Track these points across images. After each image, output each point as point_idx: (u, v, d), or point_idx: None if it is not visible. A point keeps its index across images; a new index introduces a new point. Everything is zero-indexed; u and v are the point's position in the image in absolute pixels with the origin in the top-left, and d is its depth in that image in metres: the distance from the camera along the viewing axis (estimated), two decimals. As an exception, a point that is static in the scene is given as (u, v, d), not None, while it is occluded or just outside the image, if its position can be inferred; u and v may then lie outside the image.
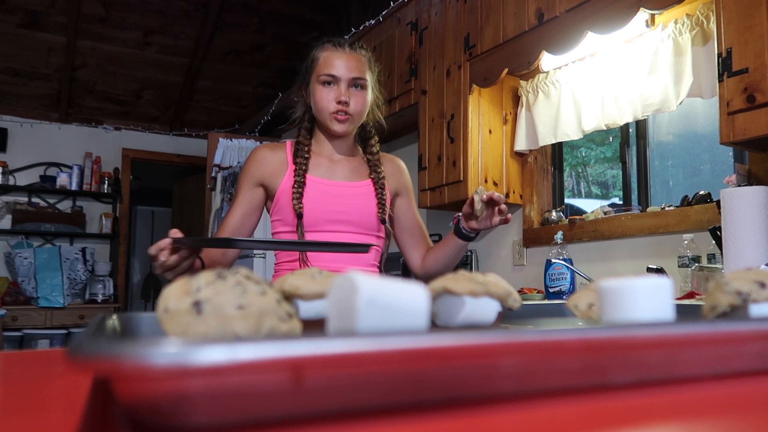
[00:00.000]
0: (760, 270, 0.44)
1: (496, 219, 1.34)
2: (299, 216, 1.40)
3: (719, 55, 1.84)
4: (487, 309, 0.48)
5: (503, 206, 1.32)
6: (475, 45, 2.86)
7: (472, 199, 1.34)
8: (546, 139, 2.82)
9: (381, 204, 1.47)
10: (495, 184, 2.92)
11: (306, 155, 1.47)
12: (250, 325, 0.30)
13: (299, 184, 1.42)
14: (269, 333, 0.31)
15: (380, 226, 1.49)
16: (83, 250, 5.14)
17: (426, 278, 1.52)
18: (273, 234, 1.49)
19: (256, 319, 0.31)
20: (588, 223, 2.66)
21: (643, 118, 2.46)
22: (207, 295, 0.31)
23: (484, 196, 1.31)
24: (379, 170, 1.51)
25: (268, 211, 1.52)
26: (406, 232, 1.61)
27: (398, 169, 1.62)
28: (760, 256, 1.67)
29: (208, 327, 0.30)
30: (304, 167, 1.46)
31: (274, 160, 1.48)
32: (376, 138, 1.59)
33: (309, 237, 1.43)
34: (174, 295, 0.32)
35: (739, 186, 1.93)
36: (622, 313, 0.38)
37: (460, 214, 1.42)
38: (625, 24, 2.21)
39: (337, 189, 1.47)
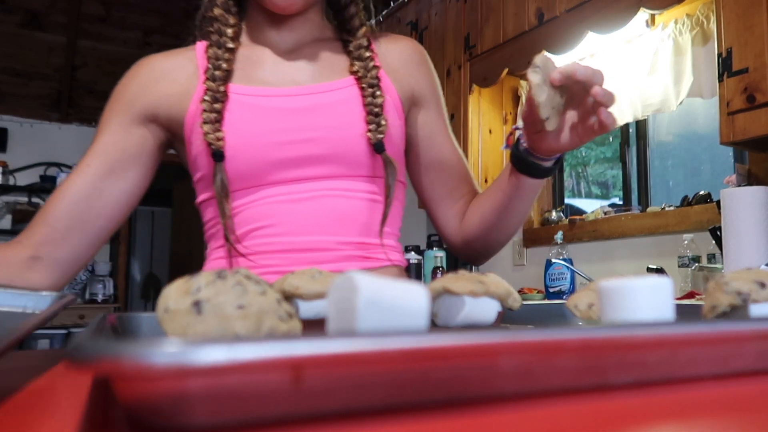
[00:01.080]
0: (760, 270, 0.44)
1: (593, 121, 0.67)
2: (217, 156, 0.79)
3: (719, 55, 1.84)
4: (487, 309, 0.48)
5: (599, 91, 0.63)
6: (475, 45, 2.86)
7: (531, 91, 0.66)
8: (546, 139, 2.82)
9: (373, 115, 0.84)
10: (495, 184, 2.92)
11: (228, 46, 0.85)
12: (250, 325, 0.31)
13: (213, 98, 0.81)
14: (269, 333, 0.31)
15: (374, 156, 0.84)
16: (83, 250, 5.13)
17: (470, 253, 0.94)
18: (199, 205, 0.90)
19: (256, 318, 0.31)
20: (588, 223, 2.66)
21: (643, 118, 2.46)
22: (207, 294, 0.31)
23: (556, 75, 0.64)
24: (366, 57, 0.88)
25: (187, 169, 0.90)
26: (433, 172, 0.93)
27: (413, 55, 0.95)
28: (760, 256, 1.67)
29: (208, 327, 0.30)
30: (221, 67, 0.83)
31: (172, 74, 0.86)
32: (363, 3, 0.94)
33: (242, 200, 0.83)
34: (174, 295, 0.32)
35: (739, 186, 1.93)
36: (622, 313, 0.38)
37: (519, 126, 0.78)
38: (626, 24, 2.21)
39: (291, 101, 0.84)
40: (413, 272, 3.02)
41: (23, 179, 5.27)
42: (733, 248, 1.72)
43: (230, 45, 0.86)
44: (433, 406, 0.27)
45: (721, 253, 1.86)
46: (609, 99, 0.64)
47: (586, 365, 0.30)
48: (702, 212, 2.21)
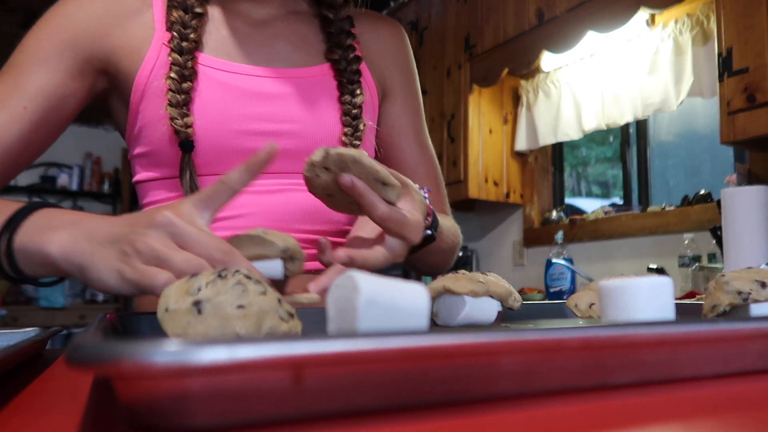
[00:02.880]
0: (761, 269, 0.44)
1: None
2: (185, 146, 0.71)
3: (719, 54, 1.84)
4: (487, 308, 0.48)
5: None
6: (476, 45, 2.86)
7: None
8: (546, 138, 2.82)
9: (350, 117, 0.77)
10: (495, 184, 2.92)
11: (197, 10, 0.74)
12: (251, 325, 0.31)
13: (180, 75, 0.71)
14: (270, 332, 0.31)
15: None
16: (84, 251, 5.14)
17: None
18: (137, 184, 0.78)
19: (256, 318, 0.31)
20: (588, 222, 2.66)
21: (643, 117, 2.46)
22: (207, 294, 0.31)
23: (346, 181, 0.53)
24: (347, 45, 0.80)
25: (122, 133, 0.79)
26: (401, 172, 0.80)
27: (392, 41, 0.87)
28: (761, 256, 1.67)
29: (209, 327, 0.30)
30: (189, 37, 0.72)
31: (126, 20, 0.74)
32: None
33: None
34: (174, 295, 0.32)
35: (740, 185, 1.93)
36: (622, 312, 0.38)
37: None
38: (626, 23, 2.21)
39: (264, 84, 0.75)
40: (414, 272, 3.02)
41: (23, 179, 5.27)
42: (733, 248, 1.72)
43: (198, 9, 0.74)
44: (433, 406, 0.27)
45: (722, 253, 1.86)
46: (363, 263, 0.54)
47: (587, 365, 0.30)
48: (702, 212, 2.21)
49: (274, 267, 0.49)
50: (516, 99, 3.04)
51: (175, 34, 0.72)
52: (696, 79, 2.21)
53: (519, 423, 0.25)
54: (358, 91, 0.78)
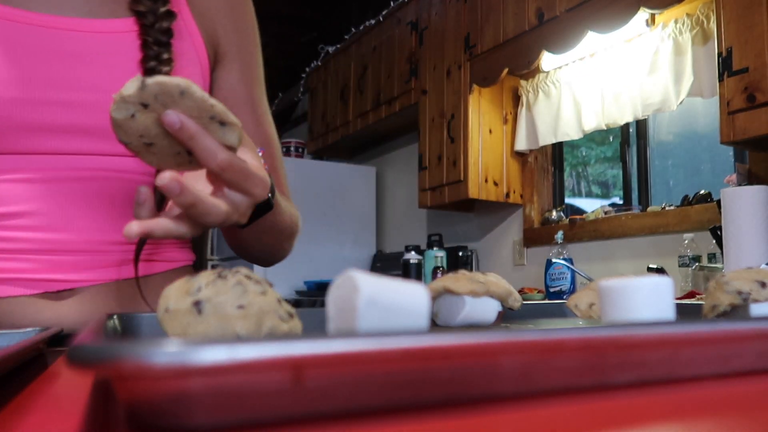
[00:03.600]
0: (761, 269, 0.44)
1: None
2: None
3: (719, 54, 1.84)
4: (487, 309, 0.48)
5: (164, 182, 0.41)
6: (475, 45, 2.86)
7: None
8: (546, 138, 2.82)
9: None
10: (495, 183, 2.92)
11: None
12: (251, 325, 0.31)
13: None
14: (270, 333, 0.31)
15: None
16: (83, 250, 5.13)
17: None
18: None
19: (256, 318, 0.31)
20: (588, 222, 2.66)
21: (643, 117, 2.46)
22: (207, 294, 0.31)
23: (169, 119, 0.41)
24: None
25: None
26: None
27: None
28: (761, 256, 1.67)
29: (209, 326, 0.30)
30: None
31: None
32: None
33: None
34: (174, 295, 0.32)
35: (740, 185, 1.93)
36: (622, 312, 0.38)
37: None
38: (626, 23, 2.21)
39: (54, 39, 0.61)
40: (413, 272, 3.02)
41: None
42: (733, 248, 1.72)
43: None
44: (433, 406, 0.27)
45: (722, 253, 1.86)
46: (192, 207, 0.43)
47: (587, 365, 0.30)
48: (702, 212, 2.21)
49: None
50: (516, 99, 3.04)
51: None
52: (696, 79, 2.21)
53: (519, 423, 0.25)
54: (165, 55, 0.63)
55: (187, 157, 0.44)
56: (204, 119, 0.41)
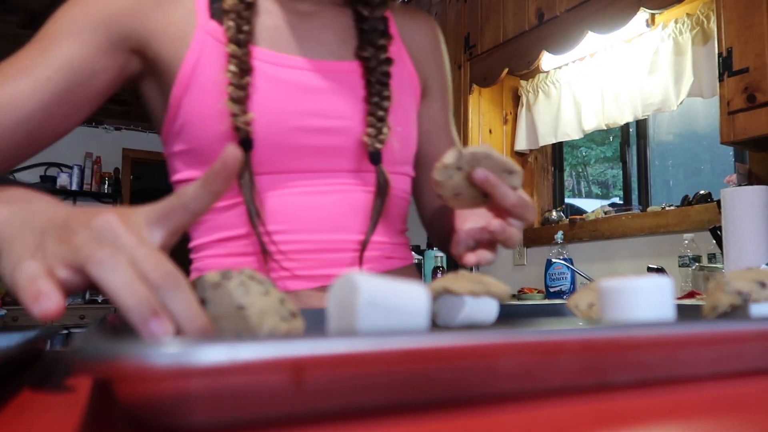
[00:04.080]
0: (761, 269, 0.44)
1: (471, 257, 0.60)
2: (245, 145, 0.69)
3: (719, 54, 1.84)
4: (487, 309, 0.48)
5: (496, 227, 0.58)
6: (475, 45, 2.86)
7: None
8: (546, 138, 2.82)
9: (374, 116, 0.75)
10: (495, 183, 2.92)
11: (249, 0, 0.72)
12: (251, 324, 0.32)
13: (240, 69, 0.69)
14: (270, 332, 0.32)
15: (365, 164, 0.76)
16: (84, 250, 5.13)
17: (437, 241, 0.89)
18: (176, 184, 0.75)
19: (257, 318, 0.32)
20: (588, 222, 2.66)
21: (643, 117, 2.46)
22: (211, 294, 0.32)
23: (479, 175, 0.56)
24: (380, 45, 0.78)
25: (158, 128, 0.76)
26: (424, 168, 0.85)
27: (430, 39, 0.87)
28: (761, 256, 1.67)
29: (213, 324, 0.31)
30: (243, 29, 0.70)
31: (167, 4, 0.71)
32: None
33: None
34: None
35: (740, 185, 1.93)
36: (622, 312, 0.38)
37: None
38: (626, 23, 2.21)
39: (312, 78, 0.73)
40: (413, 272, 3.02)
41: (24, 179, 5.26)
42: (733, 248, 1.72)
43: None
44: (433, 406, 0.27)
45: (722, 253, 1.86)
46: (506, 239, 0.59)
47: (587, 365, 0.30)
48: (702, 212, 2.21)
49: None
50: (516, 99, 3.04)
51: (231, 24, 0.70)
52: (696, 79, 2.21)
53: (519, 423, 0.25)
54: (385, 93, 0.76)
55: (482, 199, 0.59)
56: (498, 171, 0.56)
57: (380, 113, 0.75)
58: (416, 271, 0.87)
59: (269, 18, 0.74)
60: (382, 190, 0.76)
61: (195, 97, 0.70)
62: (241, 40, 0.70)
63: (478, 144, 2.89)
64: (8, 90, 0.63)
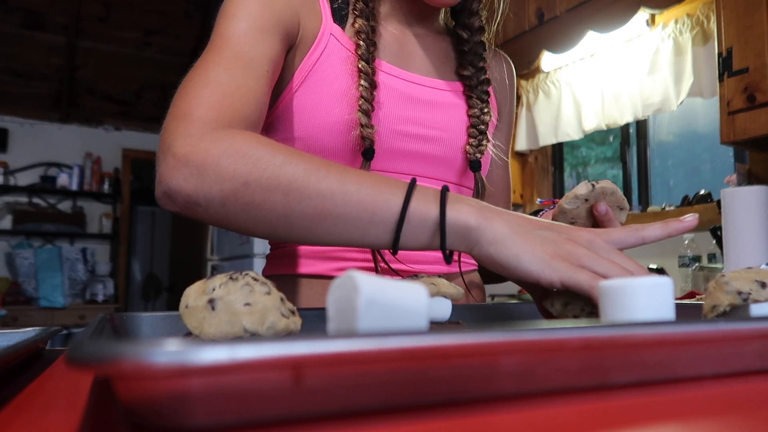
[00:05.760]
0: (761, 269, 0.44)
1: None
2: (368, 154, 0.74)
3: (719, 54, 1.84)
4: (440, 308, 0.53)
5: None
6: (476, 45, 2.86)
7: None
8: (546, 138, 2.82)
9: (477, 130, 0.82)
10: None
11: (372, 23, 0.78)
12: (256, 320, 0.36)
13: (370, 83, 0.75)
14: (271, 326, 0.36)
15: (467, 171, 0.83)
16: (84, 251, 5.14)
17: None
18: None
19: (261, 314, 0.36)
20: (588, 222, 2.65)
21: (643, 117, 2.46)
22: (220, 294, 0.36)
23: (601, 208, 0.62)
24: (479, 67, 0.85)
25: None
26: (490, 197, 0.91)
27: (509, 75, 0.96)
28: (761, 256, 1.67)
29: (221, 321, 0.35)
30: (370, 41, 0.77)
31: (302, 5, 0.76)
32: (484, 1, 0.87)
33: None
34: (193, 294, 0.38)
35: (740, 186, 1.93)
36: (622, 312, 0.38)
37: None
38: (626, 23, 2.21)
39: (418, 91, 0.81)
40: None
41: (24, 179, 5.27)
42: (733, 248, 1.72)
43: (372, 22, 0.78)
44: (433, 406, 0.27)
45: (722, 253, 1.86)
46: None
47: (587, 365, 0.30)
48: (702, 212, 2.21)
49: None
50: (516, 99, 3.04)
51: (362, 42, 0.76)
52: (696, 79, 2.21)
53: (519, 423, 0.25)
54: (486, 109, 0.84)
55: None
56: (614, 207, 0.62)
57: (481, 126, 0.83)
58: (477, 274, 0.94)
59: (388, 35, 0.83)
60: (480, 195, 0.82)
61: (311, 90, 0.74)
62: (369, 57, 0.76)
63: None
64: (248, 81, 0.66)
